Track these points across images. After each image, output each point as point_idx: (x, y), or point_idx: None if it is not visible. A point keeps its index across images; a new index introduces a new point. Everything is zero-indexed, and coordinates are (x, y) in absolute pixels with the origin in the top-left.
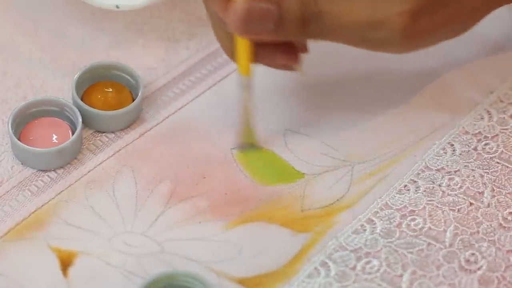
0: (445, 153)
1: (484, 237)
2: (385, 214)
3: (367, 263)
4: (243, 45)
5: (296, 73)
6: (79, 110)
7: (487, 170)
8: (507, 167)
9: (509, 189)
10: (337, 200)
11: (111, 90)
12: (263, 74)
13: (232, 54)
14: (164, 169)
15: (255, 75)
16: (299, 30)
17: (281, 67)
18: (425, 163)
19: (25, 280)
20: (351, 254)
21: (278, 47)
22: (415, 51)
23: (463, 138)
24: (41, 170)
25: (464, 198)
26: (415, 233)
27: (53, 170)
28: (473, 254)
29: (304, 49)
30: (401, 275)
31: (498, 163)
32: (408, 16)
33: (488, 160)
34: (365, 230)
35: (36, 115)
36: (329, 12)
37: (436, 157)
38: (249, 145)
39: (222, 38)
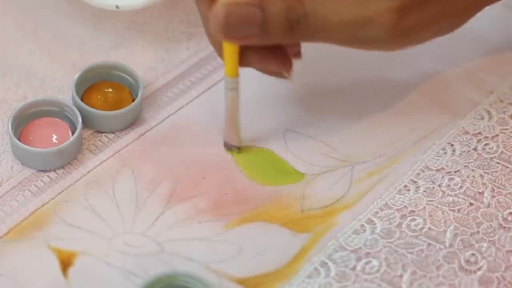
0: (445, 153)
1: (484, 237)
2: (385, 214)
3: (367, 263)
4: (228, 47)
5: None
6: (79, 110)
7: (487, 170)
8: (507, 167)
9: (509, 189)
10: (337, 200)
11: (111, 90)
12: (263, 74)
13: (221, 53)
14: (164, 169)
15: (255, 75)
16: (285, 34)
17: (271, 73)
18: (425, 163)
19: (25, 280)
20: (351, 255)
21: (271, 52)
22: (406, 48)
23: (463, 138)
24: (41, 170)
25: (464, 199)
26: (415, 234)
27: (53, 170)
28: (473, 254)
29: (297, 55)
30: (401, 276)
31: (498, 163)
32: (396, 12)
33: (488, 160)
34: (365, 230)
35: (36, 115)
36: (315, 13)
37: (436, 157)
38: (232, 146)
39: (211, 37)
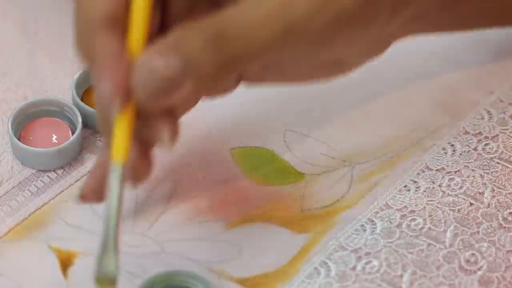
0: (445, 153)
1: (484, 237)
2: (385, 214)
3: (367, 263)
4: (124, 122)
5: None
6: (79, 110)
7: (487, 171)
8: (507, 167)
9: (509, 189)
10: (337, 200)
11: None
12: None
13: (105, 130)
14: (164, 169)
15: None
16: (215, 68)
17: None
18: (425, 163)
19: (25, 280)
20: (351, 254)
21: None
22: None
23: (463, 138)
24: (41, 171)
25: (464, 199)
26: (415, 233)
27: (53, 171)
28: (473, 254)
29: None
30: (401, 275)
31: (498, 163)
32: None
33: (488, 160)
34: (365, 230)
35: (36, 115)
36: (234, 22)
37: (436, 157)
38: (105, 274)
39: (103, 120)
